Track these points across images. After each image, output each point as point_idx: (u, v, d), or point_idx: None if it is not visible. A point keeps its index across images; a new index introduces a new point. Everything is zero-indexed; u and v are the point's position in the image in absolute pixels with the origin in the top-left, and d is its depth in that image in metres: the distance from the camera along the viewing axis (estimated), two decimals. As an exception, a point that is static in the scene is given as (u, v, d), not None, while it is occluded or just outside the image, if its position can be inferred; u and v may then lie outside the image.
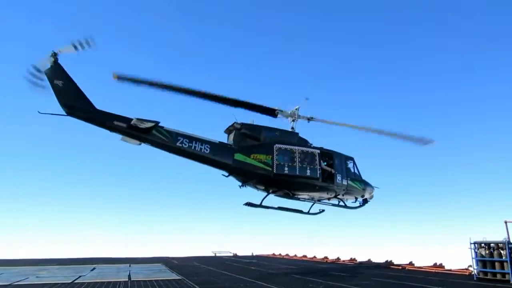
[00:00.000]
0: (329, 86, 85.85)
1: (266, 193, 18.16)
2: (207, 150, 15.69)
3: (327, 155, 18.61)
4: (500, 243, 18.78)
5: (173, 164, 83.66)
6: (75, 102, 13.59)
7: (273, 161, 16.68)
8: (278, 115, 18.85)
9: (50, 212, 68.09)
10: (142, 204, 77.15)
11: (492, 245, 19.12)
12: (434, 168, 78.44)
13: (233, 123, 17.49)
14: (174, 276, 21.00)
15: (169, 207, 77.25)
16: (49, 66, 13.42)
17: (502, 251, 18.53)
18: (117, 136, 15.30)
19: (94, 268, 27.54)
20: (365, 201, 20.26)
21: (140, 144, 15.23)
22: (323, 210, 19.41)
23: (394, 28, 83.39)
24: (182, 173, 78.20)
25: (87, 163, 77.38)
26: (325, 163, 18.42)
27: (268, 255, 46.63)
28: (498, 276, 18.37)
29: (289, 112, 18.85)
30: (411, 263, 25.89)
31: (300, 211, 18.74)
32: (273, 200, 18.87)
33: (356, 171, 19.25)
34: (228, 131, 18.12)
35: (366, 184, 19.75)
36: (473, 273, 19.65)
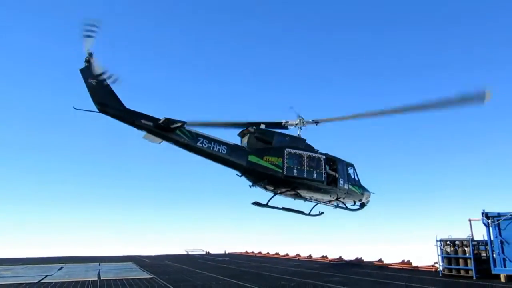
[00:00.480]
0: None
1: (273, 194, 19.24)
2: (224, 150, 16.82)
3: (331, 160, 20.11)
4: (464, 240, 19.60)
5: (144, 162, 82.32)
6: (106, 101, 14.40)
7: (284, 163, 17.85)
8: (289, 127, 20.14)
9: (9, 211, 65.23)
10: (110, 202, 75.60)
11: (456, 242, 19.91)
12: (403, 167, 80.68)
13: (248, 127, 18.46)
14: (145, 275, 20.71)
15: (139, 206, 75.84)
16: (84, 66, 14.08)
17: (466, 248, 19.30)
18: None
19: (61, 268, 26.76)
20: (362, 205, 21.58)
21: (160, 143, 16.26)
22: (322, 213, 20.78)
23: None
24: (152, 172, 77.27)
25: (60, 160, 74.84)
26: (329, 168, 19.52)
27: (241, 253, 46.68)
28: (462, 272, 19.13)
29: (296, 121, 19.92)
30: (380, 260, 26.55)
31: (302, 212, 20.05)
32: (273, 200, 19.84)
33: (356, 177, 20.81)
34: (242, 134, 19.02)
35: (364, 189, 21.23)
36: (438, 269, 20.37)
